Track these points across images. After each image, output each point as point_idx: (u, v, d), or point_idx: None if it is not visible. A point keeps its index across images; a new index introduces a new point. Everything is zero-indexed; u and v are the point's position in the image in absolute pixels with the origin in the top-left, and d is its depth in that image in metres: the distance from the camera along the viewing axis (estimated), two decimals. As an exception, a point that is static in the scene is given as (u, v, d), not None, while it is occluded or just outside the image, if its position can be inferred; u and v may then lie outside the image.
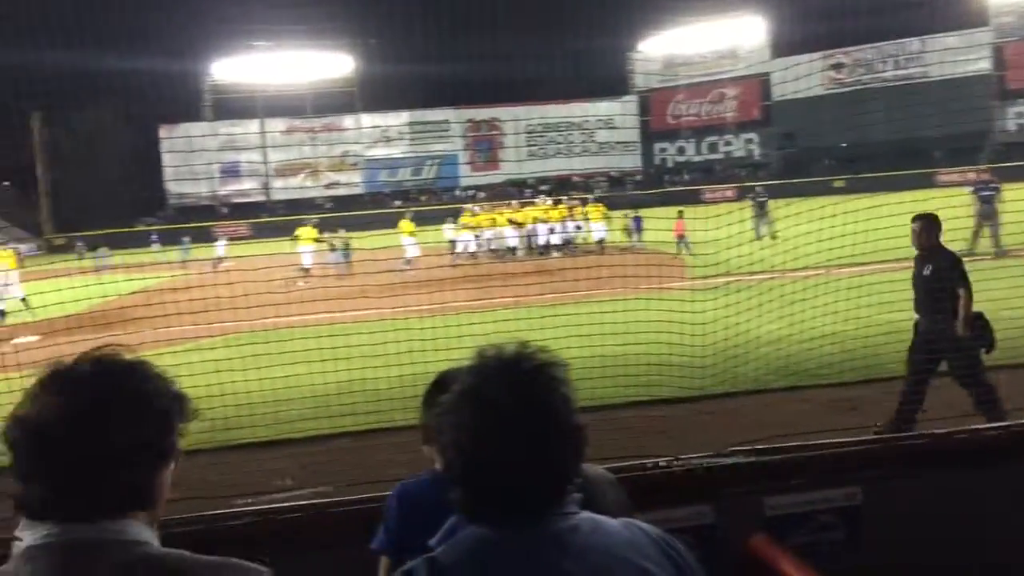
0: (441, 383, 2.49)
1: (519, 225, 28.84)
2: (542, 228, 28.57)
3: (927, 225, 7.18)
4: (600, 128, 71.91)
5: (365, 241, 25.41)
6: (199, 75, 69.67)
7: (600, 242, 27.43)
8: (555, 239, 28.32)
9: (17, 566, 1.34)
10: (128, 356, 1.51)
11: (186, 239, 43.73)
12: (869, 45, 61.58)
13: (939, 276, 7.02)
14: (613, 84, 71.30)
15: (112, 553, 1.35)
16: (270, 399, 7.71)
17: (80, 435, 1.36)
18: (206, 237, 53.44)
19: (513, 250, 28.26)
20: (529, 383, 1.54)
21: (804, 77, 59.54)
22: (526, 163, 69.83)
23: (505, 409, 1.51)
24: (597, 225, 28.25)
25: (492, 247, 28.00)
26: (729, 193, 54.17)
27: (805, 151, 61.13)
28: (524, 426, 1.51)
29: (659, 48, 69.69)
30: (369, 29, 61.09)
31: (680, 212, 24.98)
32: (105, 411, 1.40)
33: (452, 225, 31.08)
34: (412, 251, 26.73)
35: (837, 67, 63.51)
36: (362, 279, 21.83)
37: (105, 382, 1.43)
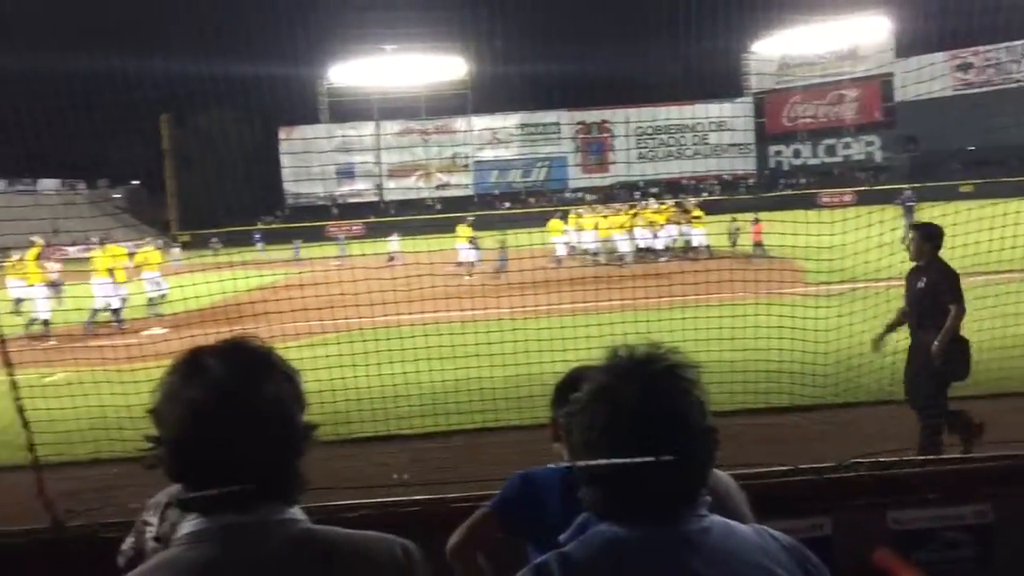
0: (571, 381, 2.53)
1: (628, 227, 28.63)
2: (650, 231, 28.30)
3: (921, 236, 6.74)
4: (713, 130, 70.75)
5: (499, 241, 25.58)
6: (317, 79, 71.71)
7: (706, 247, 27.19)
8: (661, 243, 28.04)
9: (181, 552, 1.41)
10: (259, 343, 1.55)
11: (342, 236, 44.63)
12: (1001, 44, 58.70)
13: (932, 290, 6.63)
14: (727, 85, 70.03)
15: (274, 532, 1.43)
16: (390, 395, 7.87)
17: (230, 426, 1.41)
18: (320, 236, 55.02)
19: (623, 252, 28.09)
20: (661, 384, 1.54)
21: (931, 80, 57.02)
22: (636, 165, 69.30)
23: (636, 410, 1.52)
24: (699, 229, 27.96)
25: (602, 249, 27.87)
26: (847, 197, 52.42)
27: (930, 154, 58.68)
28: (655, 427, 1.51)
29: (775, 49, 68.07)
30: (483, 32, 61.69)
31: (757, 219, 24.99)
32: (250, 398, 1.45)
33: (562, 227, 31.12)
34: (560, 250, 27.21)
35: (965, 67, 60.79)
36: (482, 279, 22.07)
37: (246, 369, 1.48)
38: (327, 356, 7.64)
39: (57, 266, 19.77)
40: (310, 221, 61.52)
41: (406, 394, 8.04)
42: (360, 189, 72.83)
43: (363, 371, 7.82)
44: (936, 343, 6.49)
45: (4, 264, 19.45)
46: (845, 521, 3.80)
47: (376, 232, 47.28)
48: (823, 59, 67.87)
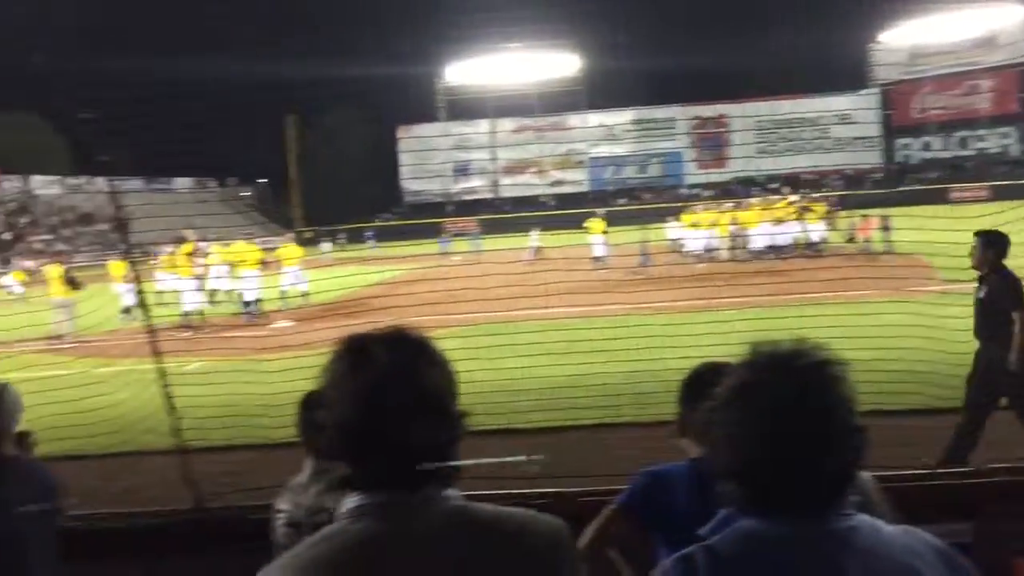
0: (699, 377, 2.53)
1: (746, 224, 28.16)
2: (772, 227, 27.72)
3: (983, 243, 6.53)
4: (836, 123, 68.51)
5: (628, 235, 25.64)
6: (434, 78, 72.99)
7: (822, 242, 26.79)
8: (783, 239, 27.44)
9: (346, 525, 1.48)
10: (418, 333, 1.61)
11: (476, 232, 45.10)
12: None
13: (993, 300, 6.38)
14: (851, 77, 67.79)
15: (432, 507, 1.50)
16: (510, 388, 7.93)
17: (397, 412, 1.48)
18: (436, 233, 55.87)
19: (745, 248, 27.65)
20: (808, 380, 1.53)
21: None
22: (755, 160, 67.83)
23: (782, 406, 1.50)
24: (817, 225, 27.43)
25: (720, 246, 27.52)
26: (982, 193, 49.91)
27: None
28: (802, 425, 1.49)
29: (903, 38, 65.36)
30: (598, 28, 61.53)
31: (864, 215, 25.48)
32: (415, 385, 1.51)
33: (677, 224, 30.85)
34: (695, 244, 27.19)
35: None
36: (611, 274, 22.06)
37: (409, 357, 1.54)
38: (451, 349, 7.77)
39: (203, 260, 20.78)
40: (426, 218, 62.58)
41: (522, 388, 8.09)
42: (476, 186, 73.72)
43: (487, 364, 7.89)
44: (1013, 357, 6.29)
45: (158, 257, 20.60)
46: (987, 528, 3.65)
47: (493, 229, 47.72)
48: (956, 48, 64.79)
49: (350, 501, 1.50)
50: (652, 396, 5.82)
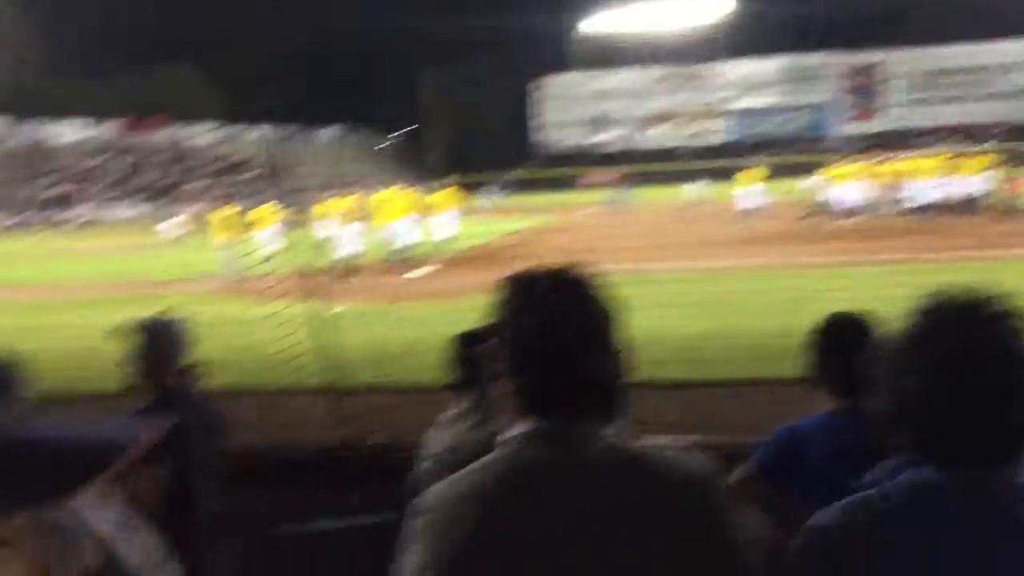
0: (831, 328, 2.53)
1: (900, 179, 26.90)
2: (929, 182, 26.39)
3: None
4: (1004, 72, 64.07)
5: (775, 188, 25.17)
6: (572, 28, 72.29)
7: (980, 197, 25.40)
8: (941, 194, 26.08)
9: (504, 454, 1.53)
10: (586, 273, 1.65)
11: (626, 184, 44.64)
12: None
13: None
14: (1020, 21, 63.14)
15: (593, 441, 1.52)
16: (650, 340, 7.86)
17: (585, 347, 1.51)
18: (573, 184, 55.74)
19: (896, 205, 26.46)
20: (986, 330, 1.46)
21: None
22: (910, 111, 64.39)
23: (960, 356, 1.45)
24: (977, 180, 25.89)
25: (872, 201, 26.39)
26: None
27: None
28: (979, 375, 1.44)
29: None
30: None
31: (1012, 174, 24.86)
32: (590, 321, 1.55)
33: (818, 178, 29.74)
34: (844, 199, 26.57)
35: None
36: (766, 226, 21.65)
37: (584, 293, 1.57)
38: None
39: (358, 207, 21.57)
40: (563, 169, 62.47)
41: (666, 338, 8.02)
42: (614, 137, 72.96)
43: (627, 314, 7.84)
44: None
45: (312, 204, 21.49)
46: None
47: (634, 181, 47.05)
48: None
49: (513, 430, 1.55)
50: (794, 352, 5.65)
